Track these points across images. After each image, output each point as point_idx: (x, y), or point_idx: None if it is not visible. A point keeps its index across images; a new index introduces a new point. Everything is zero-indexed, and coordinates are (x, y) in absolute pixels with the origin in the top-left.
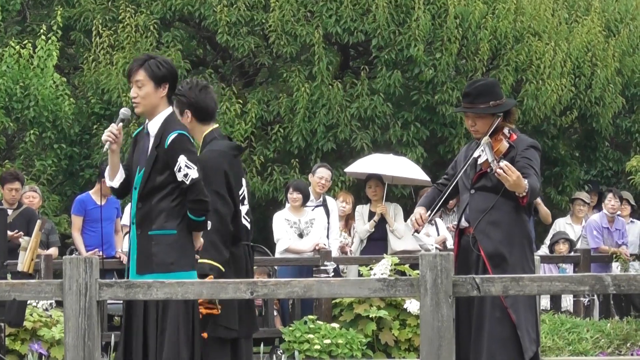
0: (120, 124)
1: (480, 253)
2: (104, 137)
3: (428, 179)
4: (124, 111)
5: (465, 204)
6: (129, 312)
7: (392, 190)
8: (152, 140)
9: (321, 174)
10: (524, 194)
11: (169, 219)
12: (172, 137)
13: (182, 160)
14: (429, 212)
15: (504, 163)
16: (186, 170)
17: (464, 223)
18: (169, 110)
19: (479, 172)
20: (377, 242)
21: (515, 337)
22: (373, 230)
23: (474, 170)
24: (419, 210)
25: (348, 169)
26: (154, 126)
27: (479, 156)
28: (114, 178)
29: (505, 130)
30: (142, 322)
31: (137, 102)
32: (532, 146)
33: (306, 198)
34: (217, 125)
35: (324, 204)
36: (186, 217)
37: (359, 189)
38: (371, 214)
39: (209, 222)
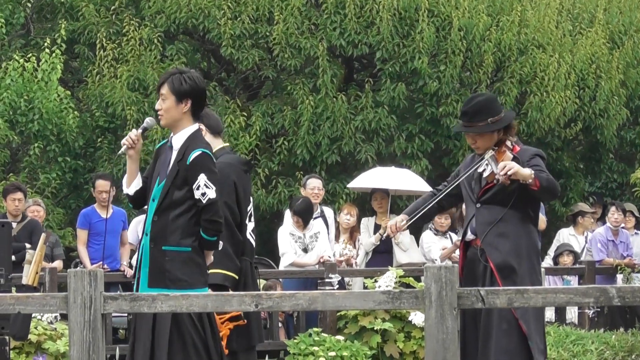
0: (141, 131)
1: (490, 264)
2: (123, 141)
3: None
4: (148, 120)
5: (470, 217)
6: (136, 326)
7: (396, 202)
8: (174, 154)
9: (313, 185)
10: (532, 179)
11: (184, 236)
12: (195, 154)
13: (202, 178)
14: (408, 220)
15: (502, 165)
16: (204, 189)
17: (470, 236)
18: (194, 126)
19: (485, 186)
20: (382, 254)
21: (523, 348)
22: (379, 243)
23: (479, 185)
24: (400, 218)
25: (351, 184)
26: (178, 141)
27: (484, 170)
28: (130, 185)
29: (508, 143)
30: (151, 336)
31: (161, 115)
32: (537, 154)
33: (307, 220)
34: (227, 144)
35: (322, 215)
36: (200, 234)
37: (363, 202)
38: (377, 227)
39: (220, 242)
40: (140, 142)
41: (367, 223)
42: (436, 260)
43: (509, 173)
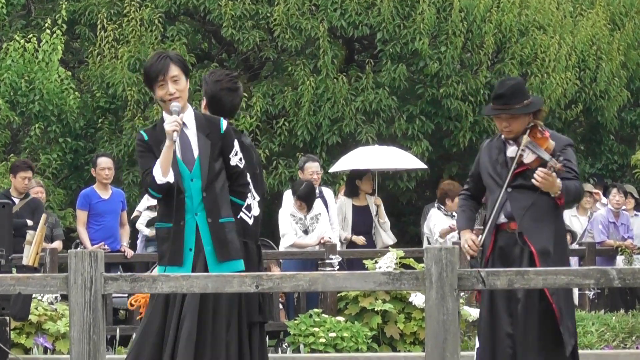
0: (181, 115)
1: (531, 248)
2: (170, 127)
3: (422, 165)
4: (177, 104)
5: (502, 201)
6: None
7: (386, 184)
8: (194, 131)
9: (311, 169)
10: (558, 193)
11: (229, 206)
12: (224, 122)
13: (237, 144)
14: (481, 235)
15: (554, 162)
16: (240, 154)
17: (502, 219)
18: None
19: (516, 170)
20: (362, 236)
21: (557, 331)
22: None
23: (506, 170)
24: (469, 236)
25: (335, 167)
26: (189, 118)
27: (520, 155)
28: (168, 173)
29: (541, 129)
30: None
31: (178, 97)
32: (569, 145)
33: (311, 204)
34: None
35: (321, 196)
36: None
37: None
38: (355, 208)
39: None
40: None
41: (344, 205)
42: (436, 234)
43: (546, 183)
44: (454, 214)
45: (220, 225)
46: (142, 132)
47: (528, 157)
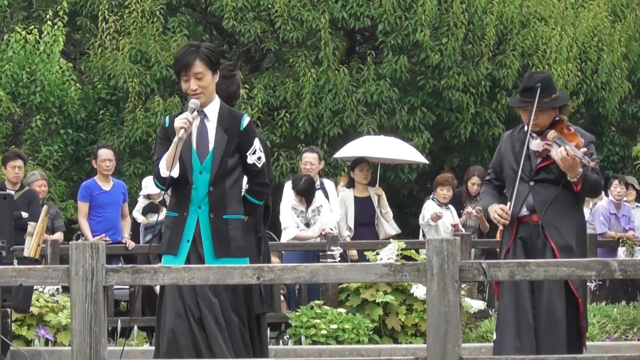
0: (195, 112)
1: (551, 243)
2: (178, 124)
3: (423, 159)
4: (195, 101)
5: (524, 194)
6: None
7: (387, 175)
8: (214, 124)
9: (306, 159)
10: (576, 179)
11: (239, 204)
12: (246, 119)
13: (257, 143)
14: (509, 203)
15: (587, 160)
16: (260, 153)
17: (524, 212)
18: (216, 95)
19: (540, 164)
20: (366, 227)
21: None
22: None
23: (529, 163)
24: (497, 206)
25: (337, 154)
26: (212, 111)
27: (546, 149)
28: (173, 168)
29: (566, 124)
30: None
31: (199, 94)
32: (592, 142)
33: (311, 199)
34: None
35: (322, 187)
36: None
37: None
38: (356, 200)
39: None
40: (192, 124)
41: (345, 196)
42: (427, 217)
43: (569, 161)
44: (450, 207)
45: (223, 222)
46: (167, 117)
47: (554, 153)
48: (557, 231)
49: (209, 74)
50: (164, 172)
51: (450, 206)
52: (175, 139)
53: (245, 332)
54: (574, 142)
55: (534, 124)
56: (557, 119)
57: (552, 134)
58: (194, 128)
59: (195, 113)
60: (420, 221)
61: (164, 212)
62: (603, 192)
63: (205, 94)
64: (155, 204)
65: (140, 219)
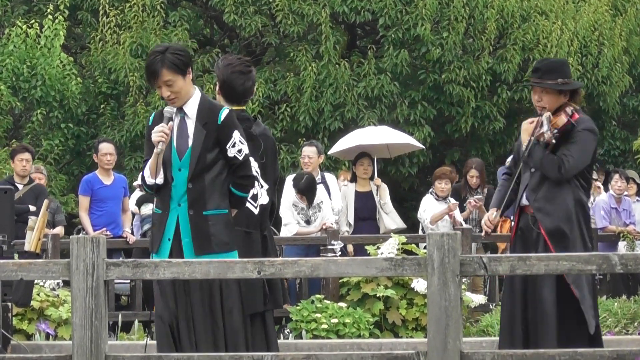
0: (171, 122)
1: (541, 231)
2: (156, 138)
3: (417, 143)
4: (169, 110)
5: (525, 182)
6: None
7: (386, 167)
8: (194, 120)
9: (304, 152)
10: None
11: (222, 198)
12: (224, 112)
13: (237, 135)
14: (501, 209)
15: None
16: (240, 145)
17: (524, 201)
18: (196, 89)
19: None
20: (366, 221)
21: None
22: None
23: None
24: (488, 214)
25: (331, 151)
26: (191, 108)
27: (539, 134)
28: (158, 176)
29: (568, 110)
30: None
31: (173, 98)
32: (587, 129)
33: (312, 198)
34: (242, 107)
35: (323, 181)
36: (229, 193)
37: None
38: (357, 194)
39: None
40: (169, 134)
41: (346, 191)
42: (426, 220)
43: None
44: (449, 200)
45: (203, 218)
46: (153, 114)
47: (539, 131)
48: (547, 217)
49: (178, 79)
50: (149, 180)
51: (451, 199)
52: (155, 151)
53: (217, 331)
54: (553, 121)
55: (539, 105)
56: (564, 104)
57: (545, 115)
58: (175, 126)
59: (171, 123)
60: (419, 215)
61: None
62: (602, 187)
63: (180, 97)
64: (150, 194)
65: (135, 209)
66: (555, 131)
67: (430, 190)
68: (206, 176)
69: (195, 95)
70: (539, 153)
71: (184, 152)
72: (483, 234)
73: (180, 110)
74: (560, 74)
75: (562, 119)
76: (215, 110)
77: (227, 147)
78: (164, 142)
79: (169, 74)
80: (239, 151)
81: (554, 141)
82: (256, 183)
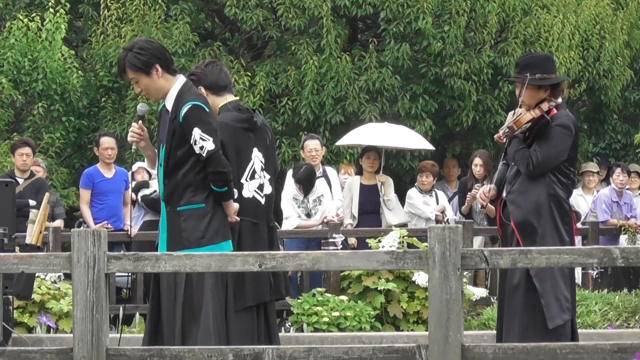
0: (140, 121)
1: (511, 224)
2: (129, 139)
3: (429, 146)
4: (140, 107)
5: (507, 175)
6: (156, 286)
7: (389, 163)
8: (170, 115)
9: (310, 147)
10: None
11: (196, 193)
12: (185, 109)
13: (197, 132)
14: (490, 185)
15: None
16: (201, 142)
17: (504, 194)
18: (179, 82)
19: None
20: (370, 215)
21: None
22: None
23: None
24: (484, 188)
25: (340, 142)
26: (169, 102)
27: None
28: (155, 166)
29: (545, 106)
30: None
31: (145, 95)
32: (560, 125)
33: (309, 188)
34: (234, 97)
35: (325, 175)
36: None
37: None
38: (362, 187)
39: (235, 191)
40: (145, 130)
41: (352, 183)
42: (431, 214)
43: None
44: (434, 192)
45: (176, 214)
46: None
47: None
48: (517, 209)
49: (142, 77)
50: (151, 171)
51: (436, 191)
52: (133, 150)
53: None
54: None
55: (520, 100)
56: (543, 99)
57: (518, 110)
58: (161, 122)
59: (140, 122)
60: (405, 208)
61: (154, 185)
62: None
63: (151, 93)
64: (145, 180)
65: (133, 197)
66: (519, 130)
67: (415, 184)
68: (179, 172)
69: (174, 89)
70: (513, 147)
71: (162, 149)
72: (480, 207)
73: (164, 104)
74: (540, 69)
75: (526, 117)
76: (180, 106)
77: (191, 143)
78: (136, 141)
79: (132, 73)
80: (201, 148)
81: (504, 139)
82: (260, 172)
